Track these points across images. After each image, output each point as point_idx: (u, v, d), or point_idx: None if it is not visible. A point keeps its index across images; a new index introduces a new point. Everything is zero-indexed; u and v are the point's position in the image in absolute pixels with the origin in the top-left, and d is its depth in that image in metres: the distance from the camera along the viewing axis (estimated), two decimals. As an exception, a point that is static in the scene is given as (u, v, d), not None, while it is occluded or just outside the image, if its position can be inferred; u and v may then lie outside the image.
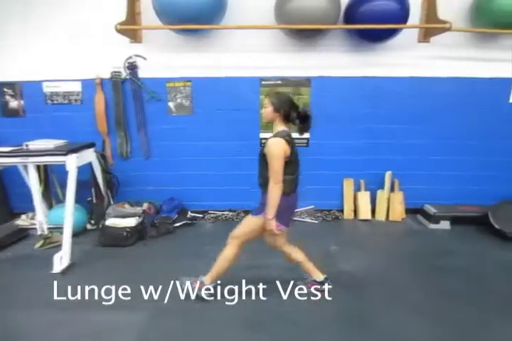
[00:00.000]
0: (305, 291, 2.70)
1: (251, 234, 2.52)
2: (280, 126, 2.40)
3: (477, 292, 2.76)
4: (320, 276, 2.70)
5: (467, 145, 4.25)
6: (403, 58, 4.01)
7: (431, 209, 4.15)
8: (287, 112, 2.36)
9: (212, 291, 2.62)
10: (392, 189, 4.34)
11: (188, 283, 2.61)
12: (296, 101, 2.50)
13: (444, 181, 4.37)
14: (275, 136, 2.32)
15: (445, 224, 4.06)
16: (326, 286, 2.69)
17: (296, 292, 2.69)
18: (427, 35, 3.89)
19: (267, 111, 2.38)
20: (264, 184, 2.37)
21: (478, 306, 2.57)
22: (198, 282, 2.60)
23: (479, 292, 2.76)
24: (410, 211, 4.40)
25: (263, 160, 2.34)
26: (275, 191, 2.27)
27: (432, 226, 4.07)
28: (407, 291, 2.77)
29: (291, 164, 2.35)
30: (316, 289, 2.69)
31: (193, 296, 2.60)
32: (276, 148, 2.24)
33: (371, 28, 3.47)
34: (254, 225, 2.48)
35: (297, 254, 2.67)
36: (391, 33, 3.62)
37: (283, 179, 2.29)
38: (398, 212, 4.31)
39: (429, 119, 4.19)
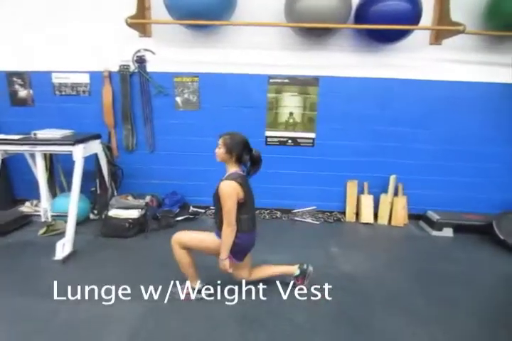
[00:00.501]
0: (305, 291, 2.70)
1: (197, 246, 2.50)
2: (233, 168, 2.42)
3: (477, 301, 2.72)
4: (296, 270, 2.73)
5: (474, 152, 4.18)
6: (413, 60, 3.96)
7: (434, 216, 4.09)
8: (239, 154, 2.38)
9: (211, 291, 2.64)
10: (395, 193, 4.30)
11: (181, 292, 2.63)
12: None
13: (449, 187, 4.30)
14: (227, 178, 2.33)
15: (448, 232, 4.00)
16: (309, 270, 2.74)
17: (296, 292, 2.69)
18: (438, 37, 3.84)
19: (220, 151, 2.40)
20: (219, 224, 2.41)
21: (478, 315, 2.54)
22: (187, 288, 2.61)
23: (479, 301, 2.72)
24: (413, 216, 4.35)
25: (217, 202, 2.38)
26: (228, 233, 2.32)
27: (435, 233, 4.01)
28: (406, 296, 2.74)
29: (246, 204, 2.38)
30: (307, 281, 2.74)
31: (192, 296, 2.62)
32: (228, 191, 2.27)
33: (382, 29, 3.43)
34: (208, 243, 2.47)
35: (263, 270, 2.73)
36: (402, 34, 3.58)
37: (240, 218, 2.35)
38: (401, 217, 4.27)
39: (436, 123, 4.14)
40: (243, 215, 2.37)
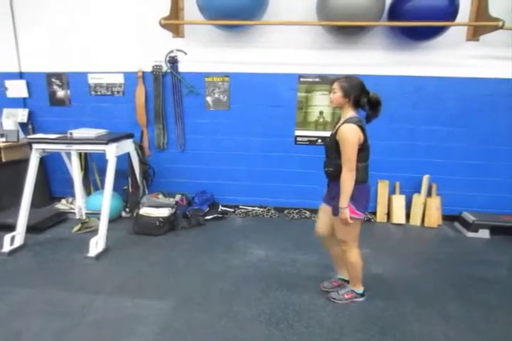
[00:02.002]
0: (331, 291, 2.65)
1: (354, 233, 2.40)
2: (350, 112, 2.29)
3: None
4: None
5: (510, 151, 4.03)
6: (449, 57, 3.85)
7: (469, 217, 3.96)
8: (357, 97, 2.25)
9: (365, 293, 2.61)
10: (429, 193, 4.19)
11: (341, 297, 2.57)
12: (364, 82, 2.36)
13: (485, 188, 4.16)
14: (347, 122, 2.21)
15: (484, 233, 3.86)
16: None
17: (323, 291, 2.66)
18: (476, 33, 3.71)
19: (336, 96, 2.28)
20: (334, 173, 2.29)
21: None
22: (350, 293, 2.58)
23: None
24: (447, 217, 4.23)
25: (333, 148, 2.26)
26: (349, 179, 2.19)
27: (470, 234, 3.88)
28: (439, 300, 2.66)
29: (364, 151, 2.26)
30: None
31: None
32: (351, 135, 2.16)
33: (416, 26, 3.35)
34: (349, 225, 2.32)
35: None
36: (437, 31, 3.49)
37: (358, 167, 2.20)
38: (434, 218, 4.16)
39: (471, 122, 4.01)
40: (359, 163, 2.22)
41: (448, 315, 2.47)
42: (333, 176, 2.32)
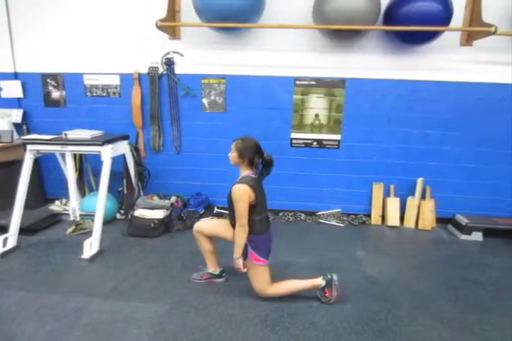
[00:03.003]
0: (327, 294, 2.64)
1: (265, 279, 2.56)
2: (245, 171, 2.49)
3: (508, 306, 2.64)
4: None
5: (504, 154, 4.07)
6: (443, 62, 3.89)
7: (463, 220, 4.00)
8: (251, 158, 2.45)
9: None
10: (423, 196, 4.22)
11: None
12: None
13: (478, 191, 4.20)
14: (239, 181, 2.40)
15: (477, 236, 3.90)
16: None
17: (319, 294, 2.67)
18: (470, 38, 3.76)
19: (233, 155, 2.49)
20: (234, 225, 2.48)
21: (508, 322, 2.45)
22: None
23: (510, 307, 2.63)
24: (441, 220, 4.26)
25: (230, 204, 2.45)
26: (240, 233, 2.39)
27: (464, 237, 3.92)
28: (433, 301, 2.67)
29: (258, 206, 2.43)
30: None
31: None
32: (240, 194, 2.33)
33: (412, 30, 3.39)
34: (258, 272, 2.53)
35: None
36: (432, 36, 3.52)
37: (253, 220, 2.41)
38: (428, 221, 4.19)
39: (465, 126, 4.05)
40: (256, 217, 2.43)
41: (442, 316, 2.48)
42: (233, 227, 2.50)
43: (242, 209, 2.34)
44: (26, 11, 4.16)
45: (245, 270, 2.50)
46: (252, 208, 2.39)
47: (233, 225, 2.50)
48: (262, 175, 2.55)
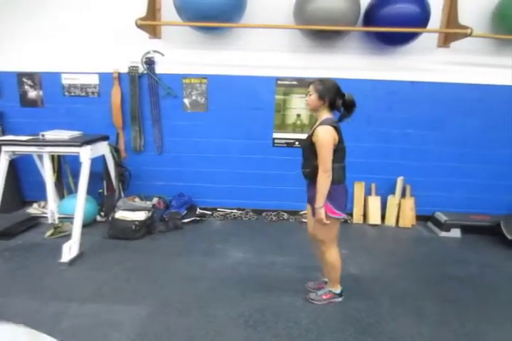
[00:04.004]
0: (312, 292, 2.68)
1: (332, 232, 2.43)
2: (325, 114, 2.32)
3: (486, 302, 2.70)
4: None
5: (482, 154, 4.18)
6: (421, 62, 3.97)
7: (442, 217, 4.08)
8: (333, 99, 2.28)
9: (343, 293, 2.63)
10: (403, 195, 4.29)
11: (319, 298, 2.60)
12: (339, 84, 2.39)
13: (456, 189, 4.30)
14: (322, 123, 2.24)
15: (456, 233, 4.00)
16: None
17: (301, 293, 2.68)
18: (447, 40, 3.84)
19: (312, 98, 2.31)
20: (310, 174, 2.33)
21: (487, 317, 2.51)
22: (328, 293, 2.60)
23: (489, 302, 2.70)
24: (421, 218, 4.34)
25: (309, 149, 2.29)
26: (324, 179, 2.22)
27: (443, 234, 4.01)
28: (414, 298, 2.72)
29: (340, 152, 2.29)
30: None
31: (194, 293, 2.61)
32: (326, 136, 2.19)
33: (390, 31, 3.44)
34: (327, 225, 2.34)
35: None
36: (410, 37, 3.58)
37: (333, 167, 2.23)
38: (408, 219, 4.26)
39: (443, 125, 4.14)
40: (335, 164, 2.25)
41: (422, 313, 2.53)
42: (310, 177, 2.36)
43: (326, 151, 2.18)
44: (1, 7, 4.04)
45: (328, 222, 2.30)
46: (333, 153, 2.22)
47: (308, 175, 2.36)
48: (344, 117, 2.35)
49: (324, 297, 2.59)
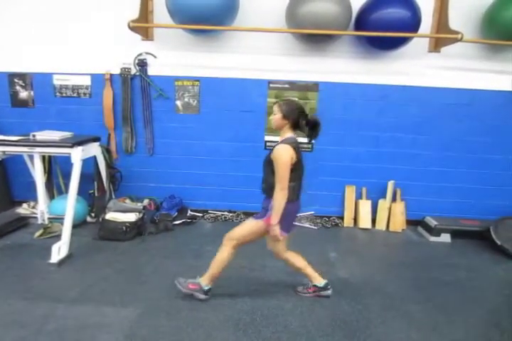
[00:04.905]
0: (301, 296, 2.72)
1: (249, 237, 2.51)
2: (288, 133, 2.40)
3: (474, 307, 2.72)
4: (321, 281, 2.69)
5: (472, 158, 4.22)
6: (412, 67, 4.01)
7: (432, 222, 4.11)
8: (296, 120, 2.37)
9: (209, 293, 2.61)
10: (393, 199, 4.31)
11: (185, 285, 2.60)
12: (303, 105, 2.51)
13: (447, 193, 4.33)
14: (282, 142, 2.32)
15: (446, 237, 4.02)
16: (327, 292, 2.70)
17: (291, 296, 2.69)
18: (437, 44, 3.88)
19: (276, 118, 2.39)
20: (268, 189, 2.39)
21: (473, 321, 2.53)
22: (196, 284, 2.59)
23: (476, 307, 2.72)
24: (411, 222, 4.36)
25: (268, 167, 2.35)
26: (280, 197, 2.28)
27: (433, 238, 4.03)
28: (403, 302, 2.73)
29: (296, 171, 2.36)
30: (316, 294, 2.70)
31: (184, 295, 2.61)
32: (284, 155, 2.24)
33: (381, 36, 3.46)
34: (254, 229, 2.47)
35: (297, 260, 2.68)
36: (401, 42, 3.62)
37: (288, 186, 2.29)
38: (399, 223, 4.28)
39: (434, 130, 4.17)
40: (290, 183, 2.30)
41: (411, 317, 2.54)
42: (266, 193, 2.43)
43: (283, 170, 2.24)
44: (-7, 8, 4.03)
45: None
46: (290, 172, 2.28)
47: (265, 191, 2.43)
48: (311, 137, 2.45)
49: (191, 286, 2.60)
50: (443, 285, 3.04)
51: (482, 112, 4.10)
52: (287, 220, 2.43)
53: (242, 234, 2.51)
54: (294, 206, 2.43)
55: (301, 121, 2.38)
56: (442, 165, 4.26)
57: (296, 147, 2.33)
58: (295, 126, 2.40)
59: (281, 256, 2.64)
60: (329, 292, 2.71)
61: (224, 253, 2.51)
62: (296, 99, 4.10)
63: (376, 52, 3.93)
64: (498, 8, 3.62)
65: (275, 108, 2.40)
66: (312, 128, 2.42)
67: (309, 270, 2.69)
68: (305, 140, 2.52)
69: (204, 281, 2.58)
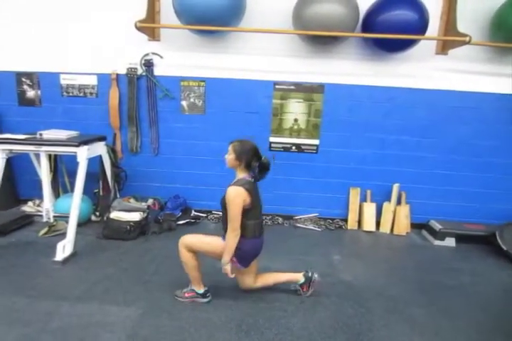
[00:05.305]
0: (304, 299, 2.71)
1: (201, 249, 2.51)
2: (241, 174, 2.45)
3: (477, 312, 2.69)
4: (201, 288, 2.62)
5: (478, 162, 4.19)
6: (419, 69, 3.99)
7: (436, 225, 4.08)
8: (249, 161, 2.40)
9: (208, 294, 2.63)
10: (398, 202, 4.29)
11: (182, 295, 2.62)
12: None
13: (452, 197, 4.30)
14: (235, 184, 2.36)
15: (450, 242, 3.99)
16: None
17: (294, 298, 2.68)
18: (445, 47, 3.87)
19: (230, 157, 2.43)
20: (226, 229, 2.42)
21: (477, 326, 2.51)
22: (190, 292, 2.61)
23: (480, 312, 2.69)
24: (415, 225, 4.34)
25: (223, 207, 2.40)
26: (231, 238, 2.33)
27: (437, 242, 4.00)
28: (405, 306, 2.72)
29: (253, 210, 2.40)
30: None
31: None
32: (234, 198, 2.28)
33: (388, 38, 3.45)
34: (214, 247, 2.47)
35: (269, 278, 2.72)
36: (408, 44, 3.60)
37: (247, 224, 2.36)
38: (403, 226, 4.26)
39: (441, 133, 4.15)
40: (250, 221, 2.38)
41: (414, 321, 2.52)
42: (225, 231, 2.44)
43: (235, 212, 2.29)
44: (1, 8, 4.05)
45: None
46: (247, 212, 2.34)
47: (225, 230, 2.44)
48: (256, 179, 2.48)
49: (187, 295, 2.61)
50: (447, 289, 3.02)
51: (489, 115, 4.07)
52: (247, 256, 2.48)
53: (199, 245, 2.50)
54: (255, 243, 2.49)
55: (254, 163, 2.41)
56: (448, 169, 4.24)
57: (250, 188, 2.34)
58: (247, 167, 2.43)
59: (254, 286, 2.69)
60: (316, 276, 2.72)
61: (185, 259, 2.51)
62: (301, 100, 4.12)
63: (383, 54, 3.92)
64: (507, 11, 3.59)
65: (230, 148, 2.45)
66: (261, 170, 2.45)
67: (285, 276, 2.74)
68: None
69: (195, 286, 2.59)
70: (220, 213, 4.30)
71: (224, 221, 2.48)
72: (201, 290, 2.60)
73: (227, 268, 2.40)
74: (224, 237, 2.45)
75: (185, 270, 2.56)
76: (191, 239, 2.50)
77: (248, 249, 2.44)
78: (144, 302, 2.58)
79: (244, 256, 2.45)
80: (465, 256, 3.74)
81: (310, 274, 2.72)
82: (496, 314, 2.71)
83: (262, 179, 2.51)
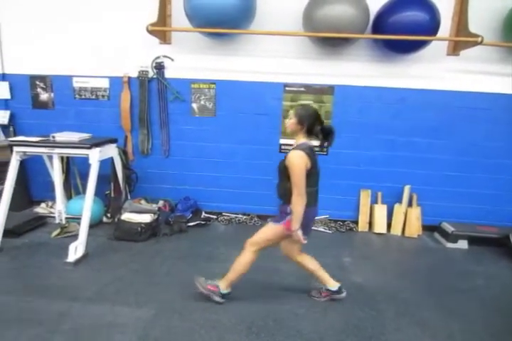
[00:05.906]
0: (316, 300, 2.71)
1: (269, 241, 2.51)
2: (302, 139, 2.40)
3: (491, 316, 2.65)
4: (334, 285, 2.67)
5: (490, 163, 4.14)
6: (430, 71, 3.96)
7: (449, 228, 4.03)
8: (311, 126, 2.37)
9: (225, 297, 2.61)
10: (409, 203, 4.26)
11: (204, 285, 2.60)
12: (318, 109, 2.50)
13: (464, 199, 4.25)
14: (296, 148, 2.32)
15: (463, 244, 3.94)
16: (340, 295, 2.69)
17: (305, 301, 2.67)
18: (456, 48, 3.83)
19: (291, 122, 2.39)
20: (283, 195, 2.40)
21: (491, 330, 2.47)
22: (214, 286, 2.59)
23: (493, 316, 2.65)
24: (427, 227, 4.30)
25: (283, 173, 2.35)
26: (299, 203, 2.27)
27: (449, 245, 3.95)
28: (417, 309, 2.69)
29: (312, 177, 2.35)
30: (329, 298, 2.70)
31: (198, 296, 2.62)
32: (297, 161, 2.24)
33: (399, 39, 3.43)
34: (274, 233, 2.47)
35: (310, 263, 2.67)
36: (419, 45, 3.58)
37: (305, 191, 2.29)
38: (415, 228, 4.22)
39: (452, 134, 4.11)
40: (307, 188, 2.30)
41: (426, 325, 2.50)
42: (283, 199, 2.43)
43: (299, 176, 2.24)
44: (15, 12, 4.13)
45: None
46: (306, 178, 2.28)
47: (281, 196, 2.43)
48: (324, 145, 2.45)
49: (210, 287, 2.59)
50: (459, 292, 2.99)
51: (501, 117, 4.02)
52: (310, 222, 2.48)
53: (264, 238, 2.50)
54: (311, 211, 2.43)
55: (316, 127, 2.38)
56: (459, 170, 4.19)
57: (310, 153, 2.31)
58: (310, 132, 2.40)
59: (294, 258, 2.65)
60: (343, 295, 2.69)
61: (245, 257, 2.51)
62: (312, 102, 4.11)
63: (393, 56, 3.89)
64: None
65: (291, 112, 2.41)
66: (326, 136, 2.43)
67: (321, 273, 2.68)
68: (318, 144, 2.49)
69: (222, 285, 2.58)
70: (230, 215, 4.38)
71: (281, 187, 2.43)
72: (225, 291, 2.59)
73: (299, 233, 2.34)
74: (280, 209, 2.44)
75: (234, 267, 2.54)
76: (259, 240, 2.51)
77: (307, 217, 2.37)
78: (155, 303, 2.59)
79: (306, 224, 2.40)
80: (478, 259, 3.69)
81: (343, 290, 2.69)
82: (509, 316, 2.67)
83: (330, 145, 2.47)
